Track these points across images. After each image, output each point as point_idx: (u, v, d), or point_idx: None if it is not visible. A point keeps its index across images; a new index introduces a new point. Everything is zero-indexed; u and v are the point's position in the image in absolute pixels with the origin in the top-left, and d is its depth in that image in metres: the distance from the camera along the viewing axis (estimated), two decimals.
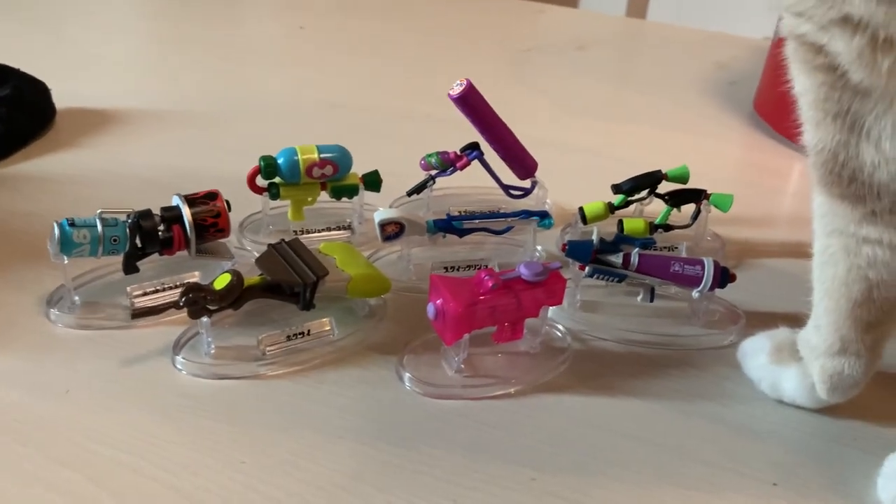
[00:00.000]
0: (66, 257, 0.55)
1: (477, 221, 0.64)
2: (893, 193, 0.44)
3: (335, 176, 0.64)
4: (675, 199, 0.65)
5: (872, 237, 0.46)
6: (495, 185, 0.67)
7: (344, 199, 0.66)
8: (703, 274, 0.57)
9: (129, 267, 0.57)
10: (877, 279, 0.47)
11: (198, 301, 0.51)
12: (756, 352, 0.55)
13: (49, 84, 0.83)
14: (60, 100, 0.83)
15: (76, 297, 0.57)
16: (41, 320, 0.56)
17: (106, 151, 0.78)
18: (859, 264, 0.47)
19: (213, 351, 0.53)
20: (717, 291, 0.58)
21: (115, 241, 0.55)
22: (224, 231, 0.58)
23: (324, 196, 0.66)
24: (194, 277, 0.59)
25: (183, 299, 0.50)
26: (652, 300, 0.59)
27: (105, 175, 0.74)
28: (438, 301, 0.51)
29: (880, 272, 0.47)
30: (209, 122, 0.86)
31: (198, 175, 0.74)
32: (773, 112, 0.91)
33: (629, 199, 0.66)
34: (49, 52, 0.99)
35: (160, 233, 0.56)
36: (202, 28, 1.11)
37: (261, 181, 0.64)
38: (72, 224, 0.54)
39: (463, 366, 0.53)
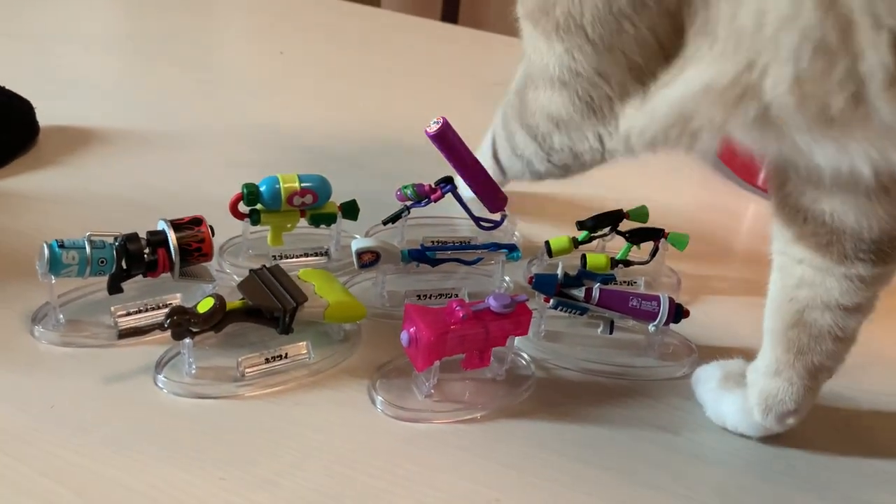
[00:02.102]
0: (53, 277, 0.56)
1: (449, 252, 0.67)
2: (816, 220, 0.49)
3: (315, 204, 0.67)
4: (635, 237, 0.69)
5: (798, 256, 0.51)
6: (467, 216, 0.70)
7: (322, 226, 0.69)
8: (659, 309, 0.60)
9: (114, 287, 0.59)
10: (806, 300, 0.51)
11: (182, 323, 0.53)
12: (707, 379, 0.59)
13: (33, 102, 0.84)
14: (44, 118, 0.84)
15: (61, 315, 0.59)
16: (25, 337, 0.58)
17: (89, 170, 0.80)
18: (790, 284, 0.52)
19: (194, 371, 0.55)
20: (672, 325, 0.62)
21: (102, 262, 0.57)
22: (207, 255, 0.60)
23: (302, 222, 0.68)
24: (176, 299, 0.61)
25: (168, 321, 0.53)
26: (611, 332, 0.62)
27: (87, 194, 0.76)
28: (412, 329, 0.54)
29: (807, 292, 0.51)
30: (190, 144, 0.88)
31: (178, 197, 0.76)
32: (732, 154, 0.96)
33: (592, 235, 0.69)
34: (33, 71, 1.00)
35: (146, 256, 0.58)
36: (184, 50, 1.14)
37: (243, 207, 0.66)
38: (61, 245, 0.56)
39: (433, 391, 0.56)
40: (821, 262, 0.50)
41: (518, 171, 0.64)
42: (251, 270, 0.59)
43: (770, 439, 0.56)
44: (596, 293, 0.60)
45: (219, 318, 0.54)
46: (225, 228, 0.67)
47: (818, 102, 0.38)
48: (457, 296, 0.66)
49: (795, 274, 0.51)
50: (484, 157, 0.71)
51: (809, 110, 0.39)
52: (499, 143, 0.67)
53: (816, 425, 0.58)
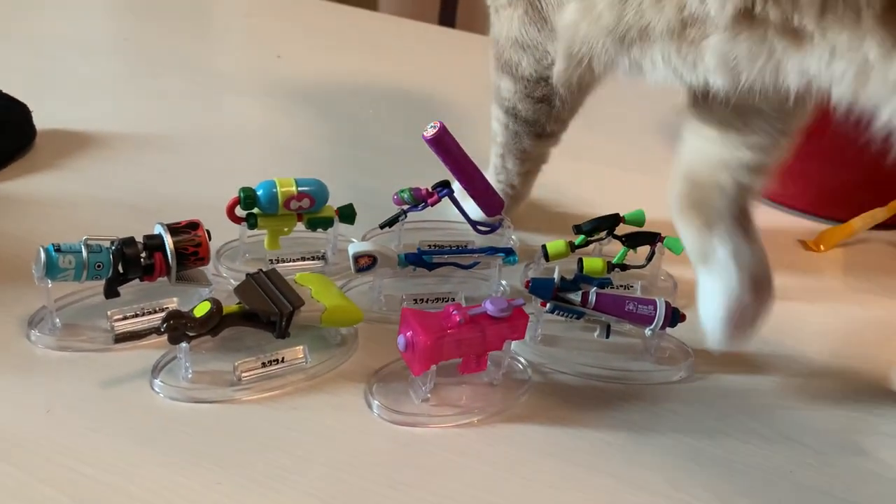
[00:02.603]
0: (50, 281, 0.56)
1: (446, 256, 0.67)
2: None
3: (312, 208, 0.67)
4: (631, 241, 0.69)
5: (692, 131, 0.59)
6: (464, 220, 0.70)
7: (319, 229, 0.69)
8: (656, 313, 0.60)
9: (111, 292, 0.59)
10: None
11: (178, 327, 0.53)
12: None
13: (30, 105, 0.84)
14: (41, 121, 0.84)
15: (57, 320, 0.59)
16: (21, 341, 0.58)
17: (85, 174, 0.80)
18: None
19: (190, 375, 0.55)
20: (668, 330, 0.62)
21: (99, 266, 0.57)
22: (204, 259, 0.60)
23: (299, 226, 0.68)
24: (172, 303, 0.61)
25: (164, 325, 0.53)
26: (608, 336, 0.62)
27: (84, 198, 0.76)
28: (409, 333, 0.54)
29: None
30: (187, 148, 0.88)
31: (175, 201, 0.76)
32: None
33: (589, 239, 0.69)
34: (30, 74, 1.00)
35: (142, 260, 0.58)
36: (181, 53, 1.13)
37: (239, 211, 0.66)
38: (58, 249, 0.56)
39: (429, 395, 0.56)
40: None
41: (513, 136, 0.71)
42: (248, 274, 0.59)
43: (770, 444, 0.56)
44: (593, 297, 0.60)
45: (215, 322, 0.54)
46: (222, 232, 0.67)
47: (620, 14, 0.46)
48: (453, 300, 0.66)
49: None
50: (490, 177, 0.74)
51: (620, 22, 0.47)
52: (494, 120, 0.73)
53: (817, 429, 0.58)
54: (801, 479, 0.54)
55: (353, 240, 0.70)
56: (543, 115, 0.69)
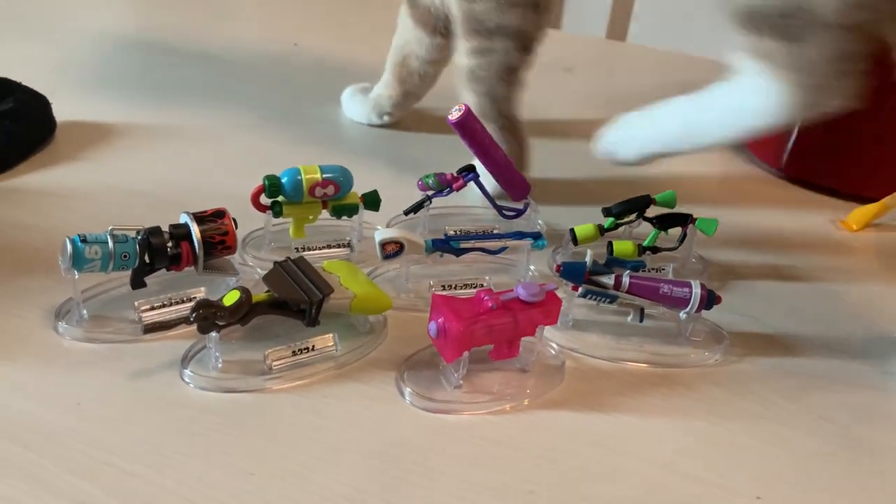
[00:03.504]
0: (76, 272, 0.56)
1: (473, 241, 0.66)
2: None
3: (336, 195, 0.66)
4: (662, 223, 0.68)
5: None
6: (489, 205, 0.69)
7: (344, 217, 0.68)
8: (691, 296, 0.59)
9: (137, 282, 0.58)
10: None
11: (208, 317, 0.52)
12: None
13: (49, 98, 0.84)
14: (61, 113, 0.84)
15: (84, 311, 0.58)
16: (49, 333, 0.57)
17: (108, 165, 0.79)
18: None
19: (220, 365, 0.55)
20: (703, 312, 0.61)
21: (125, 257, 0.56)
22: (231, 248, 0.59)
23: (323, 214, 0.68)
24: (200, 292, 0.61)
25: (194, 315, 0.52)
26: (642, 320, 0.61)
27: (107, 188, 0.75)
28: (440, 319, 0.53)
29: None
30: (208, 137, 0.87)
31: (198, 190, 0.76)
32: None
33: (619, 221, 0.68)
34: (49, 66, 1.00)
35: (169, 249, 0.58)
36: (199, 43, 1.13)
37: (264, 199, 0.65)
38: (83, 240, 0.55)
39: (462, 382, 0.55)
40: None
41: (501, 56, 0.71)
42: (276, 262, 0.58)
43: (808, 426, 0.55)
44: (626, 281, 0.59)
45: (245, 310, 0.53)
46: (246, 221, 0.66)
47: None
48: (482, 285, 0.65)
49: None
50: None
51: None
52: (468, 56, 0.74)
53: (856, 412, 0.57)
54: (842, 462, 0.53)
55: (379, 227, 0.69)
56: (530, 21, 0.70)
